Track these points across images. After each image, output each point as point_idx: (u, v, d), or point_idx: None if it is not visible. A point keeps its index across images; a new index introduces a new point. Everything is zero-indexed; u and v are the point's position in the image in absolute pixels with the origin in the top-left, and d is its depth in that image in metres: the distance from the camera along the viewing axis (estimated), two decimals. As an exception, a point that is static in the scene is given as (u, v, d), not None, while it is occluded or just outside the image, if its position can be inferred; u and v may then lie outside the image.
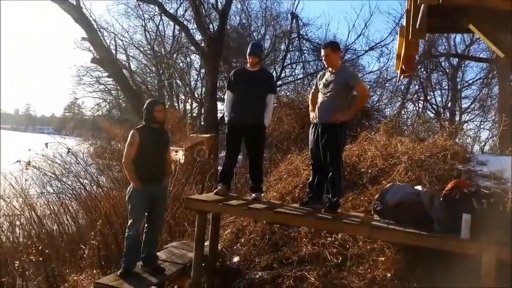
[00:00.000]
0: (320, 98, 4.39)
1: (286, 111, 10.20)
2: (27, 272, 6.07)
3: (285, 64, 17.74)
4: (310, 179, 4.50)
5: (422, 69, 16.49)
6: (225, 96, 4.89)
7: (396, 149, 5.99)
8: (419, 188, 4.09)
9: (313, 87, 4.75)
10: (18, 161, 8.00)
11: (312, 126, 4.46)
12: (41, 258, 6.15)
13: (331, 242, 4.58)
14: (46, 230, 7.55)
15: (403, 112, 15.51)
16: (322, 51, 4.43)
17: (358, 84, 4.32)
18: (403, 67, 4.30)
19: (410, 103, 17.81)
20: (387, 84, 16.54)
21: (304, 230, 4.92)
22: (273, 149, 8.82)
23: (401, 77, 5.07)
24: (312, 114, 4.50)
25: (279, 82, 16.98)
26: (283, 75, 17.90)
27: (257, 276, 4.52)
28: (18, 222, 7.98)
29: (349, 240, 4.53)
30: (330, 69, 4.38)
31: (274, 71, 16.77)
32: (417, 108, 17.90)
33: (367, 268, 4.16)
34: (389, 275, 4.01)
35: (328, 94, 4.28)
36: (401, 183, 4.51)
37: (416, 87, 17.49)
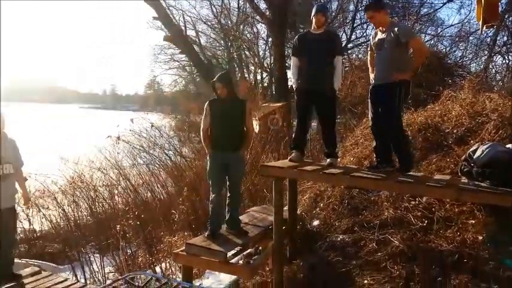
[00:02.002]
0: (375, 59, 4.20)
1: (359, 74, 9.84)
2: (127, 235, 6.79)
3: (354, 25, 16.88)
4: (374, 144, 4.35)
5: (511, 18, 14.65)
6: (291, 63, 4.82)
7: (484, 107, 5.55)
8: (510, 146, 3.79)
9: (369, 48, 4.53)
10: (109, 136, 8.80)
11: (370, 88, 4.29)
12: (138, 222, 6.84)
13: (415, 205, 4.47)
14: (141, 197, 8.32)
15: (490, 66, 14.05)
16: (365, 14, 4.20)
17: (411, 40, 4.00)
18: (485, 16, 3.89)
19: (499, 56, 16.01)
20: (471, 38, 14.99)
21: (385, 194, 4.84)
22: (347, 114, 8.63)
23: (484, 27, 4.56)
24: (371, 76, 4.32)
25: (350, 44, 16.25)
26: (353, 37, 17.09)
27: (338, 239, 4.59)
28: (116, 191, 8.91)
29: (434, 204, 4.38)
30: (380, 28, 4.14)
31: (343, 34, 16.06)
32: (507, 61, 16.05)
33: (455, 231, 4.01)
34: (480, 238, 3.84)
35: (382, 54, 4.07)
36: (491, 142, 4.20)
37: (505, 38, 15.62)
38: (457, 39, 14.43)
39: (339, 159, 5.04)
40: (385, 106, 4.02)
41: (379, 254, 4.11)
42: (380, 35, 4.14)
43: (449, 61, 10.34)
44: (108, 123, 10.53)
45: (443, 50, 12.44)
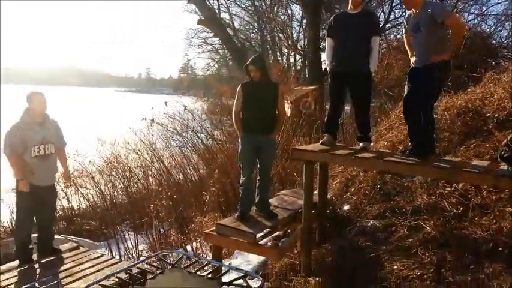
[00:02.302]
0: (413, 42, 4.00)
1: (396, 55, 9.48)
2: (160, 214, 6.99)
3: (393, 4, 16.22)
4: (408, 129, 4.19)
5: None
6: (325, 45, 4.69)
7: (530, 90, 5.22)
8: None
9: (404, 31, 4.31)
10: (144, 119, 9.01)
11: (409, 71, 4.09)
12: (170, 203, 7.02)
13: (450, 192, 4.31)
14: (173, 179, 8.51)
15: (539, 47, 13.16)
16: None
17: (447, 19, 3.74)
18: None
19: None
20: (518, 16, 14.05)
21: (420, 180, 4.70)
22: (383, 97, 8.37)
23: None
24: (412, 60, 4.10)
25: (388, 25, 15.67)
26: (391, 16, 16.45)
27: (369, 224, 4.52)
28: (150, 172, 9.16)
29: (471, 190, 4.21)
30: (413, 10, 3.92)
31: (381, 13, 15.48)
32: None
33: (491, 219, 3.85)
34: (518, 226, 3.67)
35: (418, 37, 3.86)
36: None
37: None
38: (502, 18, 13.56)
39: (372, 144, 4.92)
40: (420, 88, 3.85)
41: (410, 240, 4.01)
42: (414, 17, 3.93)
43: (493, 41, 9.75)
44: (143, 106, 10.77)
45: (488, 29, 11.71)
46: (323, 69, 13.68)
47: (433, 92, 3.85)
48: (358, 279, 3.80)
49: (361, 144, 4.46)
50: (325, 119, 4.91)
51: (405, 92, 4.08)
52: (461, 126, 5.18)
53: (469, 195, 4.18)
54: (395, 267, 3.78)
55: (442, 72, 3.81)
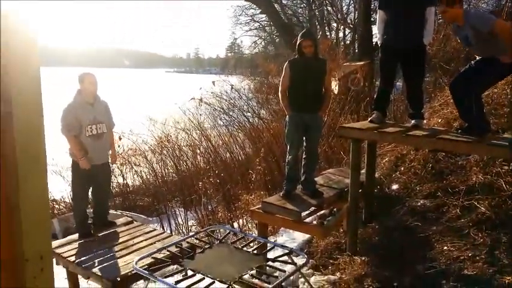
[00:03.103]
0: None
1: (454, 26, 8.85)
2: (208, 191, 7.20)
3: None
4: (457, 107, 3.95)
5: None
6: (377, 17, 4.48)
7: None
8: None
9: None
10: (192, 98, 9.20)
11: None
12: (218, 181, 7.19)
13: (507, 170, 4.04)
14: (220, 157, 8.69)
15: None
16: (437, 10, 3.63)
17: (491, 27, 3.40)
18: None
19: None
20: None
21: (475, 158, 4.44)
22: (438, 71, 7.89)
23: None
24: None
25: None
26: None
27: (419, 203, 4.37)
28: (198, 151, 9.41)
29: (531, 169, 3.92)
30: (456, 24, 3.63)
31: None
32: None
33: (552, 199, 3.58)
34: None
35: (473, 48, 3.66)
36: None
37: None
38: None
39: (425, 121, 4.70)
40: (482, 71, 3.59)
41: (463, 220, 3.84)
42: (461, 31, 3.64)
43: None
44: (192, 86, 10.98)
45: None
46: (374, 43, 13.14)
47: (492, 81, 3.65)
48: (406, 259, 3.70)
49: (413, 121, 4.26)
50: (375, 96, 4.76)
51: (464, 68, 3.82)
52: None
53: (529, 175, 3.90)
54: (445, 248, 3.64)
55: (507, 71, 3.57)
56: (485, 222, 3.70)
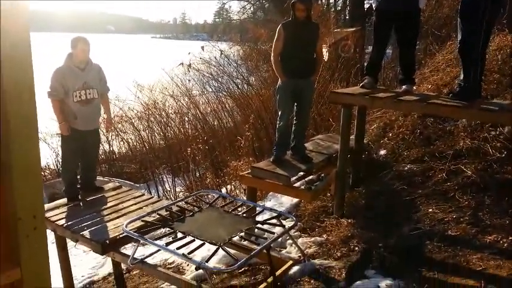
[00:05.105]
0: None
1: (448, -10, 8.70)
2: (197, 158, 7.18)
3: None
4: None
5: None
6: None
7: None
8: None
9: None
10: (181, 64, 9.01)
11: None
12: (206, 147, 7.17)
13: (495, 135, 4.08)
14: (209, 124, 8.63)
15: None
16: None
17: None
18: None
19: None
20: None
21: (463, 124, 4.47)
22: (429, 38, 7.82)
23: None
24: None
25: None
26: None
27: (406, 168, 4.42)
28: (186, 119, 9.32)
29: (518, 134, 3.97)
30: None
31: None
32: None
33: (536, 165, 3.65)
34: None
35: None
36: None
37: None
38: None
39: (415, 87, 4.68)
40: (467, 20, 3.54)
41: (449, 184, 3.90)
42: None
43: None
44: (180, 52, 10.74)
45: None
46: (365, 9, 12.90)
47: (480, 18, 3.51)
48: (391, 221, 3.78)
49: (404, 86, 4.26)
50: (368, 61, 4.71)
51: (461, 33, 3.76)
52: (513, 67, 4.80)
53: (516, 139, 3.95)
54: (430, 210, 3.72)
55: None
56: (470, 185, 3.76)
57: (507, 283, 2.70)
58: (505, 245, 3.09)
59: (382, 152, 4.95)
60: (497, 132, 4.09)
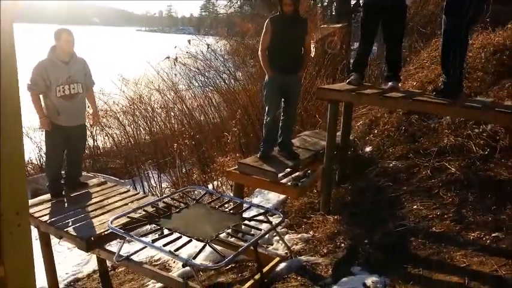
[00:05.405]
0: None
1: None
2: (183, 153, 7.14)
3: None
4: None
5: None
6: None
7: None
8: None
9: None
10: (167, 57, 8.90)
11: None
12: (193, 143, 7.12)
13: (478, 133, 4.16)
14: (195, 119, 8.57)
15: None
16: None
17: None
18: None
19: None
20: None
21: (447, 121, 4.54)
22: (414, 36, 7.90)
23: None
24: None
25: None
26: None
27: (391, 165, 4.47)
28: (172, 114, 9.23)
29: (500, 132, 4.05)
30: None
31: None
32: None
33: (519, 160, 3.73)
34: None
35: None
36: None
37: None
38: None
39: (400, 84, 4.73)
40: (451, 16, 3.58)
41: (433, 181, 3.96)
42: None
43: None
44: (166, 45, 10.61)
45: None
46: (352, 5, 12.94)
47: (464, 14, 3.56)
48: (377, 217, 3.82)
49: (389, 83, 4.28)
50: (355, 57, 4.72)
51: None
52: (496, 66, 4.87)
53: (498, 137, 4.03)
54: (414, 207, 3.77)
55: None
56: (454, 182, 3.83)
57: (490, 279, 2.76)
58: (488, 241, 3.16)
59: (368, 148, 5.00)
60: (481, 130, 4.17)
